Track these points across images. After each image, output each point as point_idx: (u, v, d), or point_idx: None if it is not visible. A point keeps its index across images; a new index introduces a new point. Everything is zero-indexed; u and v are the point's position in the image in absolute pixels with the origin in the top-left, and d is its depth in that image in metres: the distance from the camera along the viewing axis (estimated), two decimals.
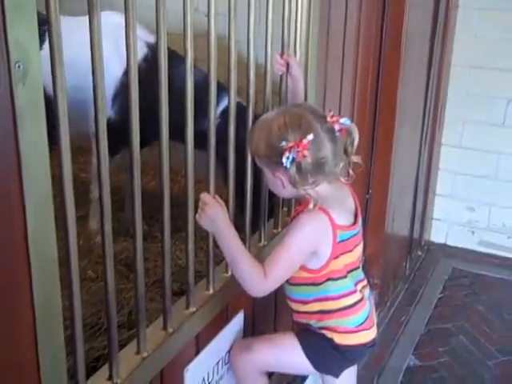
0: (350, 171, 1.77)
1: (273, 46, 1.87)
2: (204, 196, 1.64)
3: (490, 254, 3.90)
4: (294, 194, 1.71)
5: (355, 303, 1.82)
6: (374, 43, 2.74)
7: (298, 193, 1.68)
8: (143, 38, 2.64)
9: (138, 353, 1.50)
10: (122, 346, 1.50)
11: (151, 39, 2.64)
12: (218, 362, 1.85)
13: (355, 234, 1.78)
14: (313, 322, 1.82)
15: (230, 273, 1.86)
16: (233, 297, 1.87)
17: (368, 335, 1.86)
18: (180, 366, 1.66)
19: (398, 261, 3.50)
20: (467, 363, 2.94)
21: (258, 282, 1.63)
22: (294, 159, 1.57)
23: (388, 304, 3.35)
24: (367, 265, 3.13)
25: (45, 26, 2.79)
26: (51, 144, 2.43)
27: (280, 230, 2.13)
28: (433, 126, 3.62)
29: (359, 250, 1.83)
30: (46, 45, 2.67)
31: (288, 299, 1.86)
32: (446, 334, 3.16)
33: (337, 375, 1.91)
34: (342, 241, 1.71)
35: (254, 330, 2.06)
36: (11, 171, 1.02)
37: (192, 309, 1.68)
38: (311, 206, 1.65)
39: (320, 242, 1.68)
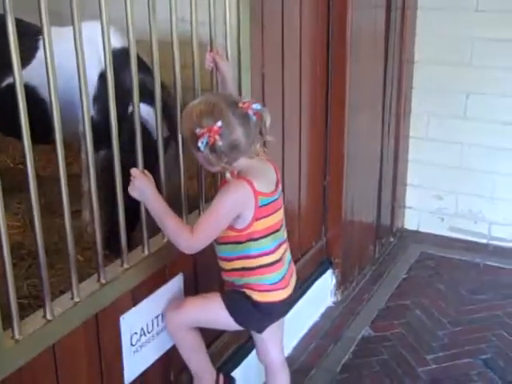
0: (265, 149, 2.10)
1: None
2: (133, 171, 1.95)
3: (458, 239, 4.14)
4: (218, 169, 2.01)
5: (272, 263, 2.08)
6: (321, 40, 3.03)
7: (221, 169, 1.98)
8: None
9: (72, 298, 1.82)
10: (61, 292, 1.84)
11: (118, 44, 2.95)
12: (157, 316, 2.15)
13: (275, 200, 2.06)
14: (236, 278, 2.09)
15: (165, 239, 2.16)
16: (170, 259, 2.17)
17: (282, 294, 2.12)
18: (115, 314, 1.97)
19: (364, 244, 3.76)
20: (418, 333, 3.20)
21: (185, 239, 1.93)
22: (207, 143, 1.87)
23: (354, 284, 3.62)
24: (328, 245, 3.43)
25: (37, 36, 3.16)
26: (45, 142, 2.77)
27: None
28: (397, 118, 3.89)
29: (280, 214, 2.10)
30: (40, 53, 3.03)
31: (218, 258, 2.14)
32: (404, 308, 3.42)
33: (259, 331, 2.20)
34: (263, 205, 1.99)
35: (196, 290, 2.35)
36: None
37: (125, 265, 2.00)
38: (227, 175, 1.95)
39: (243, 206, 1.96)
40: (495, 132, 3.89)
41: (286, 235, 2.18)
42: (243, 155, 1.98)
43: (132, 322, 2.04)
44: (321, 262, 3.38)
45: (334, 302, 3.45)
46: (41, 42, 2.94)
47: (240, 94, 2.38)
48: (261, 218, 2.00)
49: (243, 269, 2.08)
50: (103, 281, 1.91)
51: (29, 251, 2.88)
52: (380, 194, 3.83)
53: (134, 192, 1.94)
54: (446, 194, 4.13)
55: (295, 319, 3.01)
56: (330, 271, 3.41)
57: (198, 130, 1.88)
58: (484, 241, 4.10)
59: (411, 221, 4.30)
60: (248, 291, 2.08)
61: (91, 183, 1.88)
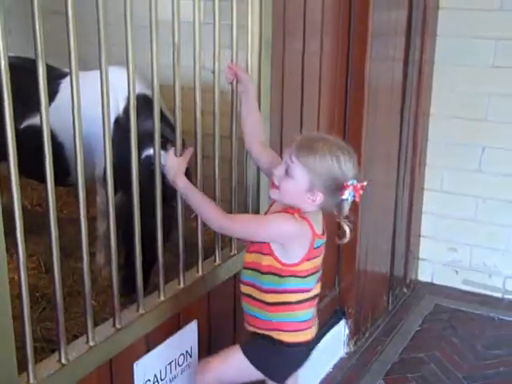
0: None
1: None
2: (171, 151, 2.03)
3: (472, 292, 4.10)
4: (307, 211, 1.92)
5: (308, 299, 2.01)
6: (339, 90, 3.07)
7: (316, 215, 1.94)
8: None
9: (87, 342, 1.81)
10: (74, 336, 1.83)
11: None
12: (170, 363, 2.14)
13: (324, 243, 2.02)
14: (264, 314, 2.00)
15: (181, 285, 2.16)
16: (185, 306, 2.17)
17: (311, 333, 2.06)
18: (129, 360, 1.96)
19: (378, 295, 3.74)
20: None
21: (221, 215, 1.92)
22: (352, 197, 1.86)
23: (367, 335, 3.58)
24: (341, 295, 3.40)
25: (58, 80, 3.23)
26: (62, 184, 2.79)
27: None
28: (412, 171, 3.90)
29: (322, 256, 2.05)
30: (59, 96, 3.10)
31: (243, 284, 2.05)
32: (418, 362, 3.37)
33: (283, 379, 2.10)
34: (317, 247, 1.96)
35: (210, 337, 2.34)
36: None
37: (141, 311, 1.99)
38: (296, 215, 1.89)
39: (293, 241, 1.91)
40: (509, 186, 3.90)
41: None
42: None
43: (146, 368, 2.02)
44: (334, 311, 3.35)
45: (346, 353, 3.41)
46: (62, 86, 3.06)
47: None
48: (311, 259, 1.96)
49: (276, 304, 1.99)
50: (118, 326, 1.91)
51: (42, 294, 2.88)
52: (394, 244, 3.82)
53: (169, 173, 1.99)
54: (461, 247, 4.11)
55: (308, 369, 2.96)
56: (343, 321, 3.38)
57: (353, 182, 1.85)
58: (499, 295, 4.06)
59: (425, 272, 4.27)
60: (276, 333, 2.00)
61: (111, 226, 1.89)
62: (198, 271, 2.25)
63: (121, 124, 2.48)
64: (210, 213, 1.94)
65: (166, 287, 2.12)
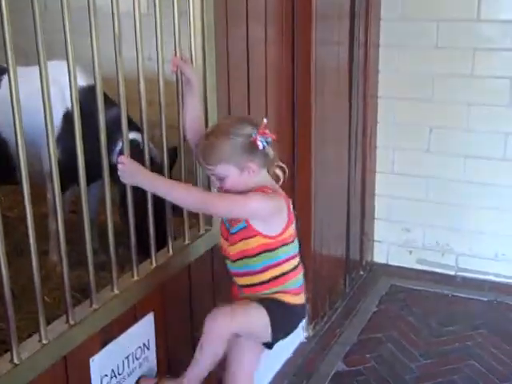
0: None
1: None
2: (121, 158, 1.96)
3: (426, 271, 4.18)
4: (257, 182, 1.99)
5: (297, 266, 2.12)
6: (286, 76, 3.07)
7: (264, 178, 2.01)
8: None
9: (39, 340, 1.78)
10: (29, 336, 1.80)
11: (84, 82, 2.94)
12: (127, 357, 2.12)
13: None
14: (263, 292, 2.05)
15: (135, 277, 2.14)
16: (140, 298, 2.15)
17: (303, 297, 2.17)
18: (85, 356, 1.93)
19: (335, 278, 3.77)
20: (391, 367, 3.19)
21: (197, 193, 2.01)
22: (266, 140, 1.94)
23: (325, 318, 3.61)
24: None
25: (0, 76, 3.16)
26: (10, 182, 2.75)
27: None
28: (363, 154, 3.94)
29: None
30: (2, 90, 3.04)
31: (237, 276, 2.12)
32: (376, 342, 3.42)
33: (278, 340, 2.13)
34: (291, 212, 2.06)
35: (166, 329, 2.32)
36: None
37: (94, 306, 1.97)
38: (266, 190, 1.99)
39: (274, 213, 1.99)
40: (458, 165, 3.97)
41: None
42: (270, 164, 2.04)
43: (102, 363, 2.00)
44: None
45: (306, 338, 3.43)
46: (3, 82, 2.99)
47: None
48: (291, 224, 2.06)
49: (272, 278, 2.05)
50: (72, 322, 1.87)
51: None
52: (348, 227, 3.86)
53: (125, 179, 1.96)
54: (414, 227, 4.18)
55: (268, 356, 2.98)
56: None
57: (254, 134, 1.92)
58: (452, 272, 4.14)
59: (380, 254, 4.33)
60: (279, 295, 2.06)
61: (59, 222, 1.86)
62: (151, 263, 2.23)
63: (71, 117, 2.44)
64: (191, 194, 1.97)
65: (120, 280, 2.10)
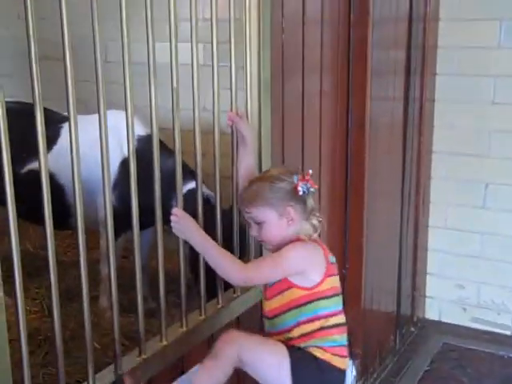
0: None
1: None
2: (175, 210, 1.96)
3: (481, 330, 4.05)
4: (294, 232, 1.96)
5: (343, 323, 2.01)
6: (340, 130, 3.08)
7: (301, 228, 1.96)
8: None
9: None
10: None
11: (142, 132, 3.01)
12: None
13: (336, 261, 2.04)
14: (301, 344, 1.91)
15: (184, 328, 2.13)
16: (187, 350, 2.14)
17: (346, 363, 2.01)
18: None
19: (385, 334, 3.69)
20: None
21: (238, 269, 1.91)
22: (308, 188, 1.93)
23: (375, 375, 3.53)
24: (349, 336, 3.35)
25: (59, 125, 3.27)
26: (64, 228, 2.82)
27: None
28: (416, 209, 3.89)
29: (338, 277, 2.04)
30: (60, 140, 3.14)
31: (277, 335, 1.97)
32: None
33: None
34: (333, 262, 1.99)
35: None
36: None
37: (143, 356, 1.96)
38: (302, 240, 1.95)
39: (310, 261, 1.93)
40: None
41: None
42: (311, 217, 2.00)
43: None
44: None
45: None
46: (63, 130, 3.08)
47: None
48: (331, 276, 1.97)
49: (312, 332, 1.92)
50: (120, 372, 1.88)
51: (45, 337, 2.87)
52: (400, 283, 3.79)
53: (178, 231, 1.97)
54: (468, 284, 4.07)
55: None
56: (350, 362, 3.32)
57: (295, 178, 1.93)
58: (508, 332, 4.00)
59: (432, 310, 4.22)
60: (315, 350, 1.91)
61: (111, 269, 1.88)
62: (201, 314, 2.23)
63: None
64: (229, 268, 1.93)
65: (169, 330, 2.10)
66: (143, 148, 2.43)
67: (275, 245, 1.98)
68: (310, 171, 1.96)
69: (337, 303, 2.00)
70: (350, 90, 3.07)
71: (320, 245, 1.99)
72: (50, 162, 2.58)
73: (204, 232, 1.98)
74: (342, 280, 3.25)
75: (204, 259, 2.07)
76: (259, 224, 1.97)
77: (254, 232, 2.00)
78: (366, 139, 3.11)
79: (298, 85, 2.69)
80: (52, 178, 2.87)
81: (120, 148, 2.93)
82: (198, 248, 1.98)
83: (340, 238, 3.25)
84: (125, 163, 2.78)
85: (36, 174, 2.54)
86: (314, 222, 2.00)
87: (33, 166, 2.82)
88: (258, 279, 1.99)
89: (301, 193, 1.92)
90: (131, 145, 1.85)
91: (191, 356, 2.16)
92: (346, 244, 3.26)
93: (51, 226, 1.63)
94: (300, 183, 1.92)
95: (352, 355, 3.31)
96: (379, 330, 3.60)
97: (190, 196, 2.23)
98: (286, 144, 2.63)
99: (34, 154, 2.40)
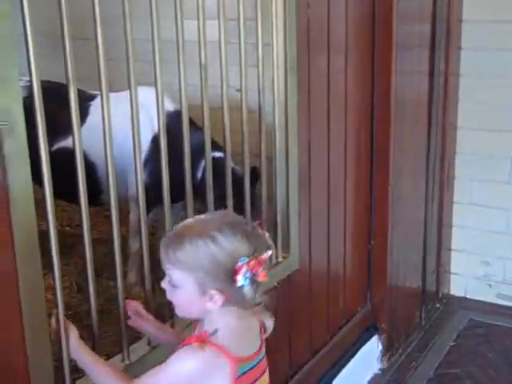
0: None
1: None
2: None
3: (506, 306, 4.04)
4: (201, 315, 1.56)
5: None
6: (365, 106, 3.08)
7: (229, 317, 1.53)
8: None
9: (122, 361, 1.82)
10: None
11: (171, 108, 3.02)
12: None
13: (260, 360, 1.59)
14: None
15: None
16: None
17: None
18: None
19: (410, 310, 3.70)
20: None
21: None
22: (250, 279, 1.44)
23: (400, 350, 3.55)
24: (374, 311, 3.38)
25: (88, 103, 3.29)
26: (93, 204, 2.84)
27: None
28: (441, 185, 3.88)
29: (266, 375, 1.63)
30: (89, 118, 3.17)
31: None
32: (454, 378, 3.32)
33: None
34: (244, 373, 1.51)
35: None
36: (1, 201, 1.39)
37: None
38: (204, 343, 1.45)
39: (205, 380, 1.47)
40: None
41: None
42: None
43: None
44: (366, 327, 3.33)
45: (380, 369, 3.38)
46: (91, 108, 3.11)
47: (287, 158, 2.43)
48: None
49: None
50: (153, 344, 1.91)
51: (75, 313, 2.91)
52: (425, 259, 3.79)
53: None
54: (493, 260, 4.06)
55: None
56: (375, 337, 3.36)
57: (245, 260, 1.43)
58: None
59: (458, 287, 4.22)
60: None
61: (143, 243, 1.91)
62: None
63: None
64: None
65: None
66: (171, 124, 2.44)
67: (188, 318, 1.65)
68: (270, 252, 1.49)
69: None
70: (374, 65, 3.06)
71: (223, 352, 1.46)
72: None
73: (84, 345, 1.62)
74: (368, 256, 3.30)
75: None
76: (172, 286, 1.53)
77: (163, 285, 1.56)
78: (391, 115, 3.10)
79: (324, 61, 2.69)
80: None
81: (151, 124, 2.94)
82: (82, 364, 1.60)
83: (365, 214, 3.25)
84: (155, 140, 2.81)
85: (65, 152, 2.59)
86: (267, 321, 1.62)
87: (62, 144, 2.85)
88: None
89: (238, 284, 1.44)
90: (162, 121, 1.86)
91: None
92: (371, 220, 3.27)
93: (86, 203, 1.65)
94: (244, 269, 1.43)
95: (378, 330, 3.37)
96: (405, 305, 3.61)
97: (216, 165, 2.24)
98: (312, 120, 2.63)
99: (62, 132, 2.46)
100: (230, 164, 2.22)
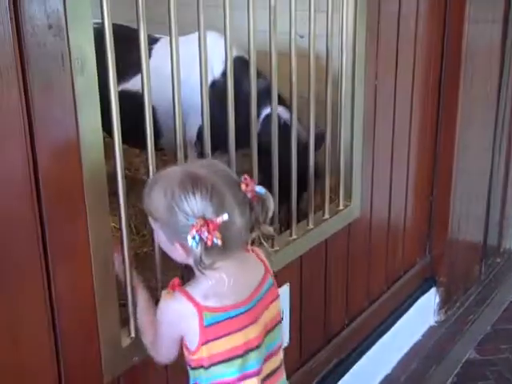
0: (264, 243, 1.55)
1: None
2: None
3: None
4: (182, 261, 1.52)
5: None
6: (435, 52, 2.98)
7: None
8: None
9: None
10: None
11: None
12: None
13: (245, 311, 1.50)
14: None
15: (275, 248, 2.17)
16: (278, 269, 2.18)
17: None
18: None
19: (470, 264, 3.65)
20: None
21: (150, 346, 1.60)
22: (201, 240, 1.36)
23: (458, 304, 3.52)
24: (433, 263, 3.35)
25: (149, 46, 3.27)
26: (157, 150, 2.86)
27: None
28: (509, 137, 3.76)
29: (256, 328, 1.52)
30: (150, 61, 3.17)
31: None
32: (511, 333, 3.29)
33: None
34: (214, 323, 1.45)
35: (301, 301, 2.36)
36: (71, 142, 1.41)
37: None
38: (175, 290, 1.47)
39: (180, 325, 1.48)
40: None
41: (277, 361, 1.63)
42: (228, 257, 1.45)
43: None
44: (425, 279, 3.31)
45: (436, 322, 3.37)
46: (153, 51, 3.10)
47: (353, 105, 2.39)
48: (210, 341, 1.46)
49: None
50: None
51: (135, 253, 2.97)
52: (488, 212, 3.72)
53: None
54: None
55: (396, 337, 2.97)
56: (433, 289, 3.33)
57: (191, 221, 1.36)
58: None
59: None
60: None
61: None
62: (291, 234, 2.26)
63: (217, 87, 2.50)
64: (146, 333, 1.62)
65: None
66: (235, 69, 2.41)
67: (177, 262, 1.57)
68: (225, 216, 1.36)
69: (230, 369, 1.49)
70: (447, 12, 2.96)
71: (189, 298, 1.45)
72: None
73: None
74: (429, 206, 3.25)
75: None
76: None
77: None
78: (461, 65, 3.01)
79: (394, 6, 2.61)
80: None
81: (210, 70, 2.93)
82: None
83: (429, 163, 3.19)
84: (214, 86, 2.79)
85: (125, 94, 2.58)
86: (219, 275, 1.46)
87: (124, 86, 2.86)
88: (169, 356, 1.57)
89: (190, 244, 1.37)
90: (229, 65, 1.84)
91: (281, 275, 2.20)
92: (435, 168, 3.21)
93: (152, 146, 1.67)
94: (193, 231, 1.35)
95: (436, 282, 3.34)
96: (465, 259, 3.57)
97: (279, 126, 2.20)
98: (380, 65, 2.57)
99: (124, 74, 2.46)
100: (295, 124, 2.18)
